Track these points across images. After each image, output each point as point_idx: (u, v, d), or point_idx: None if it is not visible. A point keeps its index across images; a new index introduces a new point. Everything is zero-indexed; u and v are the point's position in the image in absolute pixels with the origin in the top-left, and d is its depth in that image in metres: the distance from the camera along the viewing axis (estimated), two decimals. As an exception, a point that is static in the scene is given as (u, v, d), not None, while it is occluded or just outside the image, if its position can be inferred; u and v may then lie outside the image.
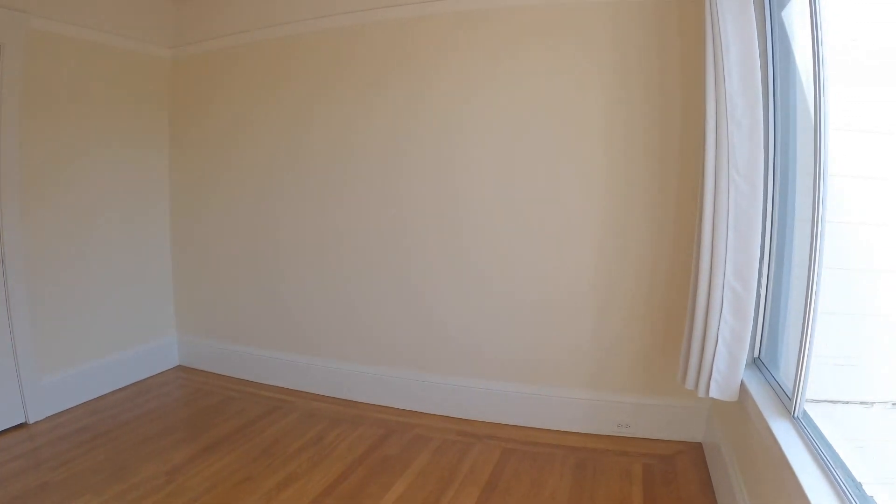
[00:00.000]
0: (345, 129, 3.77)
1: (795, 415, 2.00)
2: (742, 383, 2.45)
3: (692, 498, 2.73)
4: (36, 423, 3.56)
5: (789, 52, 2.46)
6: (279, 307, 4.14)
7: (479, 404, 3.60)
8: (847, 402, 2.08)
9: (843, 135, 2.01)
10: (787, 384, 2.18)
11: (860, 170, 2.14)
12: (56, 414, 3.69)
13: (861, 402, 2.05)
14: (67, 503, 2.64)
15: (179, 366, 4.65)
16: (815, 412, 1.98)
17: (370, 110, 3.68)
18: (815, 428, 1.87)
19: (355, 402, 3.91)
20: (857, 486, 1.52)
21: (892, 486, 1.58)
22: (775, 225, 2.56)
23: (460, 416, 3.65)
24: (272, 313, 4.17)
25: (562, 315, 3.39)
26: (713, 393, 2.48)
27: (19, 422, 3.53)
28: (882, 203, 2.05)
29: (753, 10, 2.32)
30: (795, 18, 2.34)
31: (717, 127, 2.42)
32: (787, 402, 2.09)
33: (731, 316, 2.44)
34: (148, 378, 4.38)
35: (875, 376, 2.08)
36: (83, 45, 3.75)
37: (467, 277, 3.56)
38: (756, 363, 2.66)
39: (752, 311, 2.42)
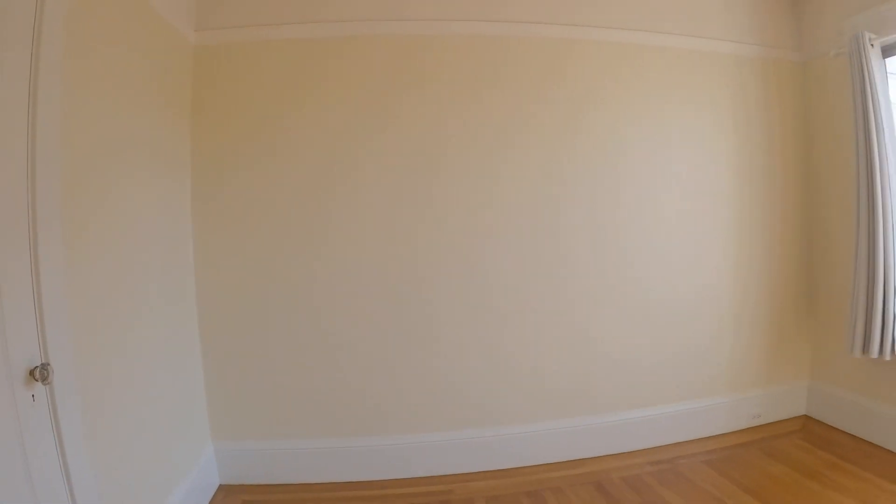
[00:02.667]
0: (417, 152, 3.58)
1: None
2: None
3: (847, 449, 3.72)
4: None
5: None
6: (346, 386, 3.59)
7: (639, 432, 3.90)
8: None
9: None
10: None
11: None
12: None
13: None
14: None
15: (221, 486, 3.53)
16: None
17: (448, 131, 3.60)
18: None
19: (508, 469, 3.70)
20: None
21: None
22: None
23: (639, 448, 3.90)
24: (344, 393, 3.59)
25: (702, 335, 4.03)
26: (901, 352, 3.51)
27: None
28: None
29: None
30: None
31: (879, 167, 3.47)
32: None
33: (899, 297, 3.51)
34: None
35: None
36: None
37: (629, 307, 3.88)
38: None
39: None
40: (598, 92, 3.77)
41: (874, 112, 3.49)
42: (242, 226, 3.46)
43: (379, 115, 3.53)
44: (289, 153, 3.48)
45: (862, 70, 3.50)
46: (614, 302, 3.85)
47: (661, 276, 3.93)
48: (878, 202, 3.50)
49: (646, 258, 3.89)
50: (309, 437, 3.56)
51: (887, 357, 3.55)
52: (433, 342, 3.64)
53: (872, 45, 3.49)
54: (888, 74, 3.63)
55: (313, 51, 3.49)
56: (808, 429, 4.11)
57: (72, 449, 2.07)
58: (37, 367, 1.91)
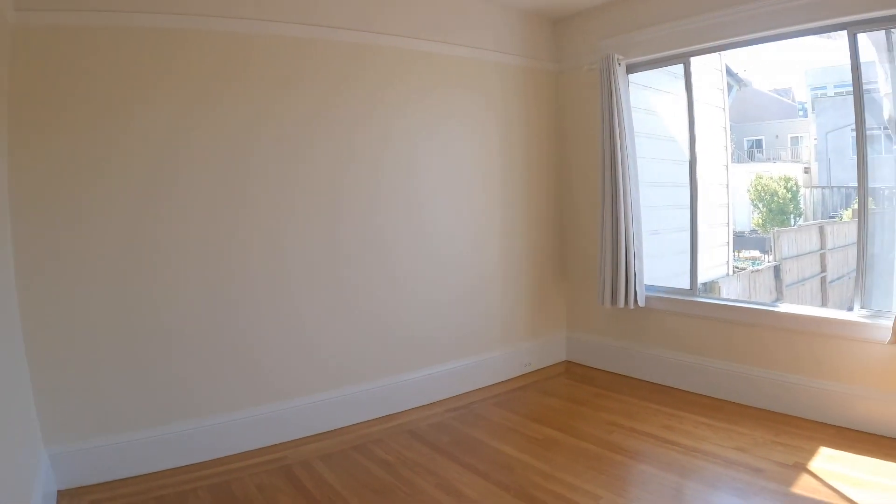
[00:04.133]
0: (235, 142, 3.76)
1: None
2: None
3: (605, 382, 4.84)
4: None
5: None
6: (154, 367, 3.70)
7: (436, 386, 4.58)
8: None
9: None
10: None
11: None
12: None
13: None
14: None
15: (62, 493, 3.32)
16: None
17: (262, 128, 3.82)
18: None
19: (332, 430, 4.10)
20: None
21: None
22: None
23: (438, 399, 4.57)
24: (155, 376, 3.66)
25: (479, 300, 4.83)
26: (640, 303, 4.63)
27: None
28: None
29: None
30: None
31: (622, 159, 4.50)
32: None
33: (637, 261, 4.61)
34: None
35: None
36: None
37: (420, 282, 4.50)
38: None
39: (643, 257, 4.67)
40: (385, 92, 4.29)
41: (618, 116, 4.50)
42: (72, 221, 3.33)
43: (204, 112, 3.64)
44: (122, 145, 3.43)
45: (610, 83, 4.48)
46: (410, 281, 4.47)
47: (446, 258, 4.65)
48: (619, 186, 4.52)
49: (431, 243, 4.57)
50: (146, 426, 3.56)
51: (631, 306, 4.64)
52: (245, 326, 3.84)
53: (620, 63, 4.49)
54: (630, 86, 4.68)
55: (148, 42, 3.48)
56: (571, 370, 5.19)
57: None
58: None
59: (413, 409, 4.43)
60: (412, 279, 4.47)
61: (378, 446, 3.85)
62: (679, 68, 4.57)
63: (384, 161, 4.31)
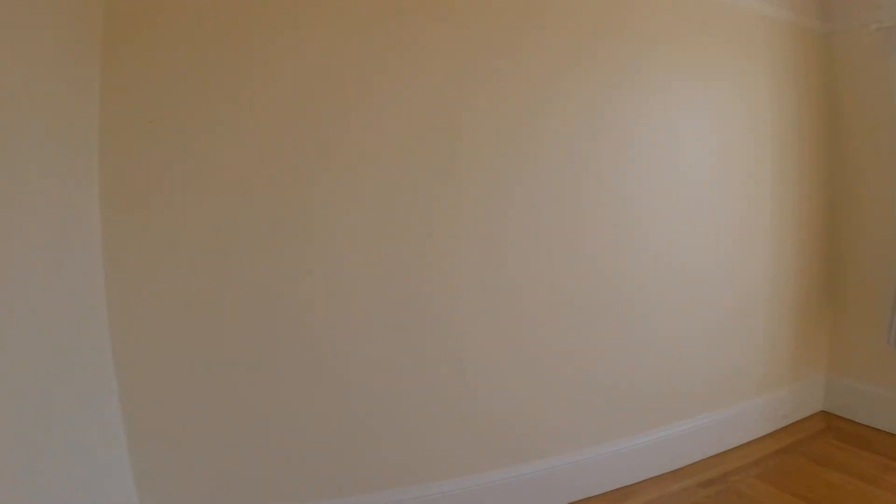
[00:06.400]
0: (434, 108, 2.85)
1: None
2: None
3: (885, 443, 3.86)
4: None
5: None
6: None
7: (682, 448, 3.73)
8: None
9: None
10: None
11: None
12: None
13: None
14: None
15: None
16: None
17: (477, 80, 2.93)
18: None
19: None
20: None
21: None
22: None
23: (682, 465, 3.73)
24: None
25: (736, 331, 3.88)
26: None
27: None
28: None
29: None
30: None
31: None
32: None
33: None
34: None
35: None
36: None
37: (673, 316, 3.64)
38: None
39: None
40: (647, 51, 3.37)
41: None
42: (182, 215, 2.45)
43: (382, 56, 2.70)
44: (251, 104, 2.51)
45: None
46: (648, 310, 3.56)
47: (697, 273, 3.71)
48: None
49: (684, 264, 3.66)
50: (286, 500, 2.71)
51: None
52: (463, 365, 3.03)
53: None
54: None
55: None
56: (835, 427, 4.17)
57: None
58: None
59: (653, 478, 3.60)
60: (652, 307, 3.55)
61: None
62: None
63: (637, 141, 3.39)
